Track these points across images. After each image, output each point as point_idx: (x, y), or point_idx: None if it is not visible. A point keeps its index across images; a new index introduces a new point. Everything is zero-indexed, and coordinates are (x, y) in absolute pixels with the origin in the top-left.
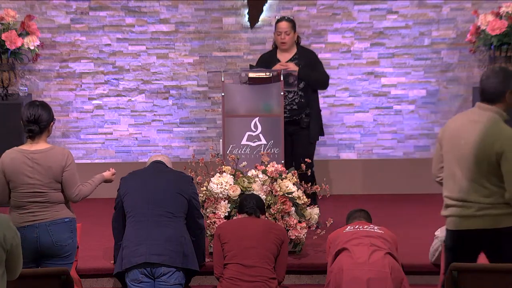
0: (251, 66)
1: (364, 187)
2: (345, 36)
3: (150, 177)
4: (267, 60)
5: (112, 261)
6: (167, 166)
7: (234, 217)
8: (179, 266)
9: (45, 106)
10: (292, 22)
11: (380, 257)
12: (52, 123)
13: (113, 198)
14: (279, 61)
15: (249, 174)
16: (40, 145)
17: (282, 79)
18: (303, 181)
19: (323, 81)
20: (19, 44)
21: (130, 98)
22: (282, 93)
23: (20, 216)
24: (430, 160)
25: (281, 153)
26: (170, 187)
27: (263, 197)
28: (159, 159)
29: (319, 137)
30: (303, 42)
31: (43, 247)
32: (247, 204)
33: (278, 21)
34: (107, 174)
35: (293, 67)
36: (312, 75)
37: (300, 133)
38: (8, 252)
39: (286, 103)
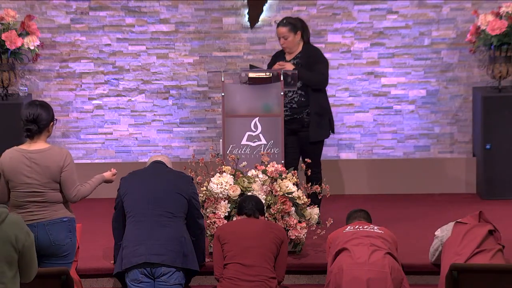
0: (251, 66)
1: (364, 187)
2: (345, 36)
3: (150, 177)
4: (277, 58)
5: (112, 261)
6: (167, 166)
7: (234, 218)
8: (179, 266)
9: (45, 105)
10: (290, 25)
11: (380, 257)
12: (52, 123)
13: (113, 198)
14: (285, 59)
15: (249, 174)
16: (38, 145)
17: (282, 79)
18: (309, 183)
19: (317, 81)
20: (19, 44)
21: (130, 98)
22: (282, 93)
23: None
24: (430, 160)
25: (281, 153)
26: (170, 187)
27: (263, 197)
28: (159, 159)
29: (329, 135)
30: None
31: (41, 247)
32: (246, 205)
33: (277, 26)
34: (107, 174)
35: (289, 66)
36: (305, 75)
37: (302, 131)
38: (20, 253)
39: (286, 102)
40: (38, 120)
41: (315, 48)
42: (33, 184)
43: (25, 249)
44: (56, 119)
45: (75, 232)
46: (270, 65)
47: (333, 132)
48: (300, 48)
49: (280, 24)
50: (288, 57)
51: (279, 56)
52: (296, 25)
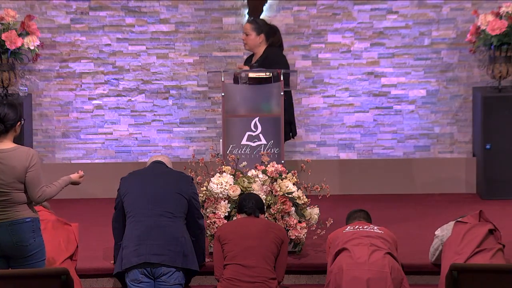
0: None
1: (364, 187)
2: (345, 36)
3: (150, 177)
4: (247, 60)
5: (112, 261)
6: (167, 166)
7: (234, 218)
8: (179, 266)
9: (12, 105)
10: (255, 24)
11: (380, 257)
12: (19, 122)
13: (113, 198)
14: (250, 62)
15: (249, 174)
16: (5, 145)
17: (282, 79)
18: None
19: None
20: (19, 44)
21: (130, 98)
22: (282, 93)
23: None
24: (430, 160)
25: (281, 153)
26: (170, 187)
27: (263, 197)
28: (159, 159)
29: (289, 138)
30: (303, 42)
31: (4, 248)
32: (246, 204)
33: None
34: (74, 176)
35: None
36: None
37: None
38: None
39: None
40: (4, 120)
41: (275, 51)
42: None
43: None
44: (24, 119)
45: (40, 232)
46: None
47: (293, 136)
48: (262, 50)
49: (247, 20)
50: (253, 60)
51: (249, 58)
52: (262, 27)
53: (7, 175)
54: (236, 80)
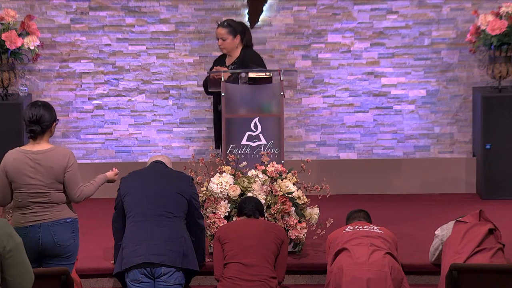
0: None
1: (364, 187)
2: (345, 36)
3: (150, 177)
4: (218, 62)
5: (112, 261)
6: (167, 166)
7: (234, 218)
8: (179, 266)
9: (47, 106)
10: (229, 27)
11: (380, 257)
12: (54, 123)
13: (113, 198)
14: (225, 63)
15: (249, 174)
16: (42, 146)
17: (282, 79)
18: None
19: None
20: (19, 44)
21: (130, 98)
22: (282, 93)
23: (22, 216)
24: (430, 160)
25: (281, 153)
26: (170, 187)
27: (263, 197)
28: (159, 159)
29: None
30: (303, 42)
31: (45, 247)
32: (246, 206)
33: (217, 26)
34: (110, 174)
35: (225, 75)
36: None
37: None
38: (2, 256)
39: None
40: (41, 121)
41: (252, 52)
42: (37, 185)
43: (6, 252)
44: (58, 119)
45: (78, 232)
46: (212, 67)
47: None
48: (238, 52)
49: (220, 25)
50: (228, 61)
51: (219, 60)
52: (236, 28)
53: (45, 176)
54: (213, 82)
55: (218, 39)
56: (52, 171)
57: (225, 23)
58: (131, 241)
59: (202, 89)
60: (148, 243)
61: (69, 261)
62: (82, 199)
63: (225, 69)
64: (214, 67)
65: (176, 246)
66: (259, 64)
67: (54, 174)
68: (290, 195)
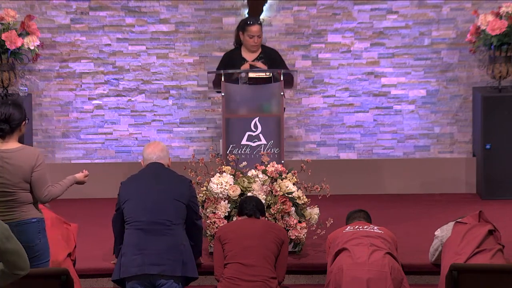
0: (251, 66)
1: (364, 187)
2: (345, 36)
3: (150, 182)
4: (233, 58)
5: (113, 261)
6: (165, 167)
7: (234, 218)
8: (178, 274)
9: (17, 105)
10: (261, 25)
11: (380, 257)
12: (24, 122)
13: (113, 198)
14: (245, 59)
15: (249, 174)
16: (10, 145)
17: (282, 79)
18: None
19: (295, 83)
20: (19, 44)
21: (130, 98)
22: (282, 93)
23: None
24: (430, 160)
25: (281, 153)
26: (168, 194)
27: (263, 197)
28: (158, 154)
29: None
30: (303, 42)
31: None
32: (247, 206)
33: (250, 24)
34: (79, 175)
35: (261, 65)
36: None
37: None
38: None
39: None
40: (10, 120)
41: (273, 49)
42: (5, 184)
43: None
44: (28, 118)
45: (45, 232)
46: (226, 65)
47: None
48: (259, 48)
49: (254, 22)
50: (249, 57)
51: (234, 55)
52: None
53: (13, 175)
54: (236, 80)
55: (253, 37)
56: (21, 170)
57: (259, 20)
58: (129, 249)
59: (202, 89)
60: (147, 252)
61: (39, 261)
62: (49, 200)
63: (261, 64)
64: (247, 63)
65: (176, 255)
66: (281, 59)
67: (22, 173)
68: (290, 195)
